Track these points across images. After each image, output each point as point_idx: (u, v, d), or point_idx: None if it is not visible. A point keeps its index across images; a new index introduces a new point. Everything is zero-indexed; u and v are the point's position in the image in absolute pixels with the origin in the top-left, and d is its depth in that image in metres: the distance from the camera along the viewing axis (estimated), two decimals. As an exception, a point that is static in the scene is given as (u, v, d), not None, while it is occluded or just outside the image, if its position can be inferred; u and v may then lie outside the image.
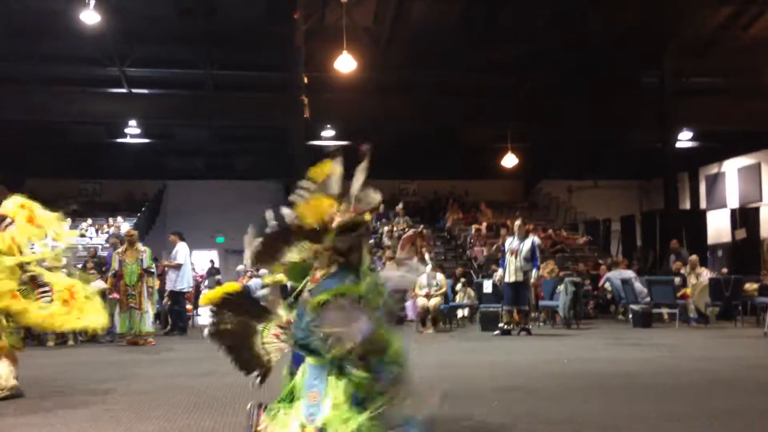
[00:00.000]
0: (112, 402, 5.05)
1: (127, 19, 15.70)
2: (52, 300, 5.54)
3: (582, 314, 12.90)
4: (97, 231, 19.08)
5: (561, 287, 12.29)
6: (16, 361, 5.53)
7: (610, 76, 18.50)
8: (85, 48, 16.41)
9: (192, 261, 13.45)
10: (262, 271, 14.47)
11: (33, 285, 5.71)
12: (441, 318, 12.27)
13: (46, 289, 5.68)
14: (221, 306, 3.17)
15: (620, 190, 24.78)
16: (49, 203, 19.94)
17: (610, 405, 4.59)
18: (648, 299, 12.33)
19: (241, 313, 3.18)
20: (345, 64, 15.49)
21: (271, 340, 3.13)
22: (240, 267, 17.21)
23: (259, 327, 3.14)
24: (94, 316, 5.54)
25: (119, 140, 21.66)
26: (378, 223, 20.83)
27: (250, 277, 14.07)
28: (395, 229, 19.42)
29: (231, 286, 3.40)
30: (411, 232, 17.90)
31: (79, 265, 14.66)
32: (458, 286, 13.88)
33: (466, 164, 22.75)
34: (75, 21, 14.54)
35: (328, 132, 20.83)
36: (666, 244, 17.58)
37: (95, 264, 13.39)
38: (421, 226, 18.91)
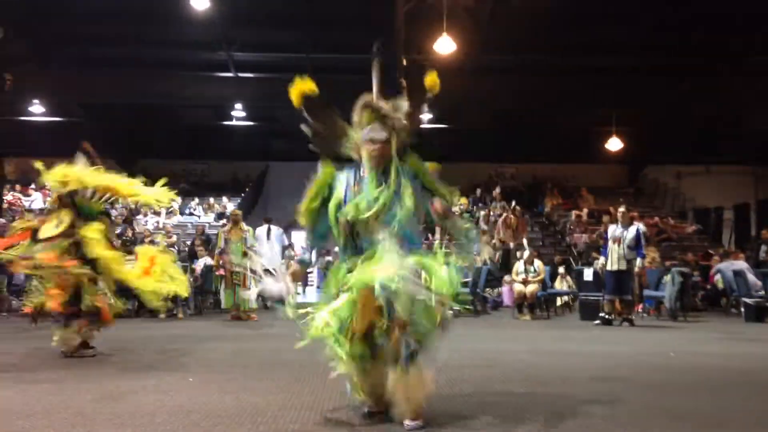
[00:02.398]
0: (218, 372, 5.29)
1: (234, 4, 16.17)
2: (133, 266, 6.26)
3: (690, 306, 12.32)
4: (204, 210, 19.93)
5: (668, 277, 11.79)
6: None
7: (726, 53, 17.39)
8: (196, 33, 17.04)
9: (273, 240, 13.84)
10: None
11: (124, 250, 6.52)
12: (538, 305, 12.06)
13: (132, 257, 6.40)
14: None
15: (734, 175, 23.33)
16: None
17: (721, 400, 4.37)
18: (762, 292, 11.63)
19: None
20: (445, 46, 15.35)
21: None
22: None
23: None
24: (171, 284, 6.25)
25: (226, 123, 22.49)
26: (475, 207, 20.66)
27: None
28: (492, 213, 19.21)
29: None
30: (504, 215, 17.64)
31: (188, 242, 15.43)
32: (561, 269, 13.66)
33: (567, 148, 22.11)
34: (187, 7, 15.13)
35: (426, 115, 20.75)
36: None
37: (203, 241, 14.01)
38: (513, 202, 18.53)
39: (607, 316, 10.10)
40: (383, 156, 3.68)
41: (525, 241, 15.99)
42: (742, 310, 11.85)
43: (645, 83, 18.50)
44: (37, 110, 20.52)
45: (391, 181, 3.61)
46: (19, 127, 20.44)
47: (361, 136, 3.77)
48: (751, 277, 12.02)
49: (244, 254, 10.46)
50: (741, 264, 12.79)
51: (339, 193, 3.75)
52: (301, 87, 3.82)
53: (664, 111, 19.76)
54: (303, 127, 3.74)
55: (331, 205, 3.75)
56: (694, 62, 18.05)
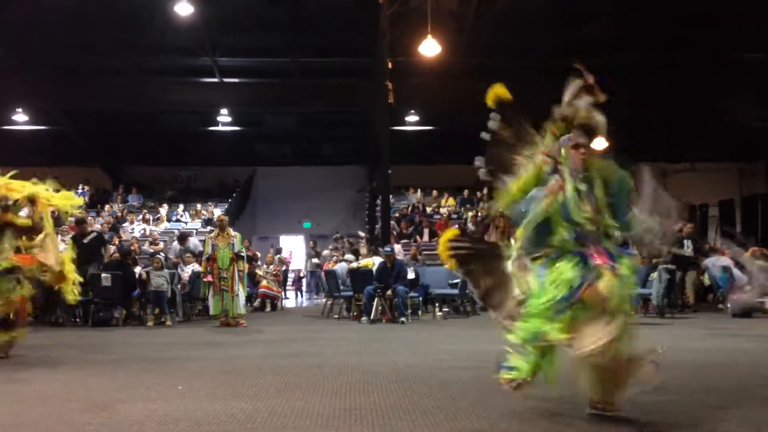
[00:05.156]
0: (208, 379, 5.27)
1: (218, 10, 16.15)
2: None
3: (676, 303, 12.40)
4: (191, 216, 19.86)
5: (655, 275, 11.85)
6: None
7: (709, 52, 17.56)
8: (179, 39, 17.01)
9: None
10: (348, 256, 14.69)
11: None
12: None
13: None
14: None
15: (719, 172, 23.54)
16: (147, 189, 20.97)
17: (706, 397, 4.41)
18: (748, 288, 11.71)
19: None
20: (430, 48, 15.40)
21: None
22: (325, 252, 17.52)
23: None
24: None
25: (212, 128, 22.43)
26: (462, 208, 20.73)
27: (336, 262, 14.29)
28: (479, 214, 19.26)
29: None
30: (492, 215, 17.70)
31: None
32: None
33: (554, 148, 22.20)
34: (170, 13, 15.09)
35: (412, 117, 20.81)
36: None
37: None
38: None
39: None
40: (587, 159, 3.95)
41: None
42: (729, 306, 11.93)
43: (630, 82, 18.61)
44: (20, 119, 20.38)
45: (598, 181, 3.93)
46: (1, 136, 20.31)
47: (562, 141, 3.96)
48: (737, 272, 12.10)
49: (232, 260, 10.42)
50: (727, 260, 12.88)
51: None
52: (498, 92, 4.01)
53: (649, 109, 19.89)
54: (488, 130, 3.97)
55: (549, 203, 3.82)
56: (678, 60, 18.20)
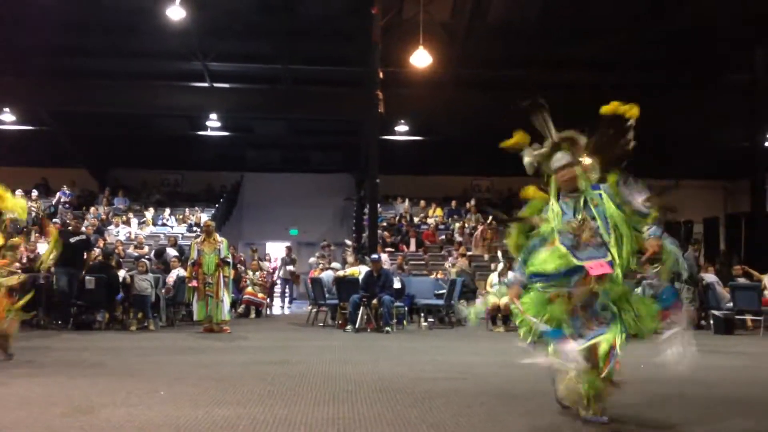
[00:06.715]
0: (190, 385, 5.24)
1: (211, 15, 16.15)
2: None
3: (659, 318, 12.43)
4: (178, 221, 19.73)
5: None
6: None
7: (697, 72, 17.79)
8: (170, 43, 16.98)
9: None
10: (335, 264, 14.67)
11: None
12: (512, 317, 12.11)
13: None
14: None
15: (703, 190, 23.73)
16: (134, 192, 20.89)
17: (688, 414, 4.44)
18: (731, 305, 11.82)
19: None
20: (421, 59, 15.49)
21: None
22: (312, 259, 17.47)
23: None
24: None
25: (201, 133, 22.37)
26: (450, 219, 20.77)
27: (322, 270, 14.26)
28: (467, 225, 19.32)
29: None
30: (480, 228, 17.80)
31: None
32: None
33: (542, 161, 22.33)
34: (162, 17, 15.07)
35: (402, 127, 20.88)
36: (753, 249, 16.83)
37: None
38: (490, 217, 18.72)
39: (579, 329, 10.17)
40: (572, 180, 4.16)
41: (499, 254, 16.08)
42: (711, 322, 12.02)
43: (618, 99, 18.76)
44: (7, 119, 20.23)
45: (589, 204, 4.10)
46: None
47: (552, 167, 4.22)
48: (720, 289, 12.20)
49: (217, 266, 10.35)
50: (710, 277, 12.98)
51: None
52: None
53: (637, 126, 20.06)
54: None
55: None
56: (666, 80, 18.40)
